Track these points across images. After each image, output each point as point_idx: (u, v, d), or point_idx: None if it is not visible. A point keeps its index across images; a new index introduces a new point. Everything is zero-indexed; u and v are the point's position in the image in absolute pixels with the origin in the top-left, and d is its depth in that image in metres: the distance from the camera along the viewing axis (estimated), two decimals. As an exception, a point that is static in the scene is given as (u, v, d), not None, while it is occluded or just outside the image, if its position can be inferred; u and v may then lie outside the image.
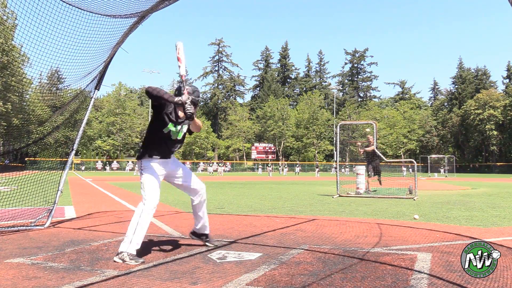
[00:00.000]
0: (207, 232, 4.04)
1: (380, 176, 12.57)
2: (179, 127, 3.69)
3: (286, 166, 55.86)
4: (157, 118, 3.64)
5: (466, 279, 2.80)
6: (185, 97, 3.40)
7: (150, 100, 3.58)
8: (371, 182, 12.26)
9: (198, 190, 3.87)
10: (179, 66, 3.57)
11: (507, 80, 75.73)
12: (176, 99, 3.41)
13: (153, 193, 3.52)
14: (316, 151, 74.20)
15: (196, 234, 4.06)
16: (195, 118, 3.60)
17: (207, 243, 4.01)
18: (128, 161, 58.44)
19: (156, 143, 3.64)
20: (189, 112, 3.37)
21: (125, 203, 8.66)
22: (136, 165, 3.65)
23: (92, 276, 2.86)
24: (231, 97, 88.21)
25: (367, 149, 12.06)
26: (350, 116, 74.22)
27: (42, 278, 2.82)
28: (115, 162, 58.26)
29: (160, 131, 3.62)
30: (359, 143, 13.35)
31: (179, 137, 3.72)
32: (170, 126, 3.63)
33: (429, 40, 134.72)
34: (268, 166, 50.13)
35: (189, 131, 3.82)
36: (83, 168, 55.56)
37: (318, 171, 48.17)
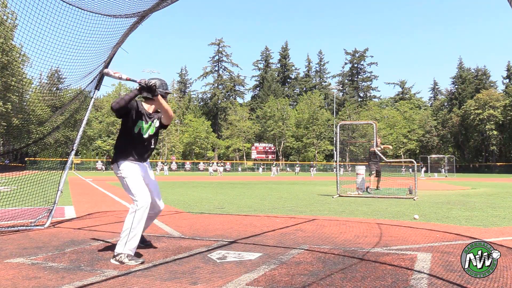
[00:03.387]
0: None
1: (380, 177, 12.60)
2: (150, 122, 3.63)
3: (276, 165, 54.40)
4: (126, 123, 3.57)
5: (466, 279, 2.80)
6: (143, 80, 3.42)
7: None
8: (373, 182, 12.31)
9: (157, 206, 3.75)
10: (126, 79, 3.47)
11: (507, 80, 75.72)
12: (137, 86, 3.43)
13: (142, 191, 3.43)
14: (316, 151, 74.20)
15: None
16: (163, 101, 3.53)
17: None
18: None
19: (130, 145, 3.56)
20: (153, 85, 3.38)
21: (125, 203, 8.66)
22: (114, 169, 3.52)
23: (92, 276, 2.86)
24: (231, 97, 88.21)
25: (384, 146, 12.13)
26: (350, 116, 74.19)
27: (42, 278, 2.82)
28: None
29: (131, 133, 3.55)
30: (359, 143, 13.40)
31: (152, 132, 3.65)
32: (140, 123, 3.56)
33: (429, 40, 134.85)
34: (274, 166, 49.74)
35: (162, 126, 3.74)
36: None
37: (314, 170, 48.07)
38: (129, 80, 3.46)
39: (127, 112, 3.50)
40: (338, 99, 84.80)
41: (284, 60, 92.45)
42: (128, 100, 3.43)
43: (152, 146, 3.74)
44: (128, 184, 3.45)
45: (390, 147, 12.74)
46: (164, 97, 3.64)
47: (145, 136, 3.60)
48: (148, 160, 3.80)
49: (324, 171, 66.16)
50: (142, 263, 3.26)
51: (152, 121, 3.67)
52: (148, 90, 3.43)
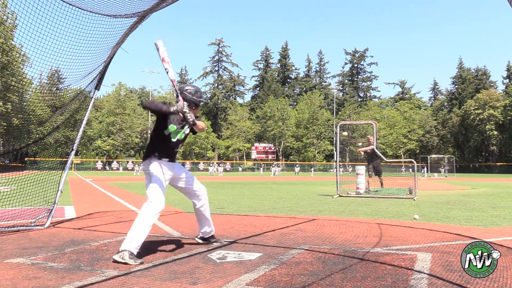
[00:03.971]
0: (213, 232, 4.13)
1: (381, 176, 12.58)
2: (181, 129, 3.65)
3: (276, 165, 54.57)
4: (158, 124, 3.69)
5: (466, 279, 2.80)
6: (180, 105, 3.36)
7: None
8: (372, 182, 12.26)
9: (199, 194, 3.95)
10: (166, 70, 3.47)
11: (507, 80, 75.73)
12: (172, 109, 3.40)
13: (160, 198, 3.57)
14: (316, 151, 74.20)
15: (204, 239, 4.12)
16: (198, 122, 3.57)
17: (215, 243, 4.09)
18: (128, 161, 58.54)
19: (160, 146, 3.67)
20: (190, 120, 3.37)
21: (125, 203, 8.66)
22: (142, 166, 3.65)
23: (92, 276, 2.86)
24: (231, 97, 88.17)
25: (365, 148, 12.05)
26: (350, 116, 74.20)
27: (42, 278, 2.82)
28: (115, 162, 58.23)
29: (161, 135, 3.62)
30: (360, 144, 13.34)
31: (180, 137, 3.68)
32: (171, 128, 3.57)
33: (429, 40, 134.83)
34: (273, 166, 49.81)
35: (193, 131, 3.82)
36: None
37: (313, 170, 48.13)
38: (173, 83, 3.46)
39: (158, 114, 3.63)
40: (338, 99, 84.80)
41: (284, 60, 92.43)
42: (158, 110, 3.51)
43: (178, 149, 3.89)
44: (151, 185, 3.59)
45: (362, 153, 12.45)
46: (197, 105, 3.73)
47: (174, 140, 3.61)
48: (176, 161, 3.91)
49: (324, 171, 66.15)
50: (141, 263, 3.28)
51: (183, 127, 3.61)
52: (184, 118, 3.42)
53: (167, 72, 3.48)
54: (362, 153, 12.30)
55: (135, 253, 3.36)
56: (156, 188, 3.56)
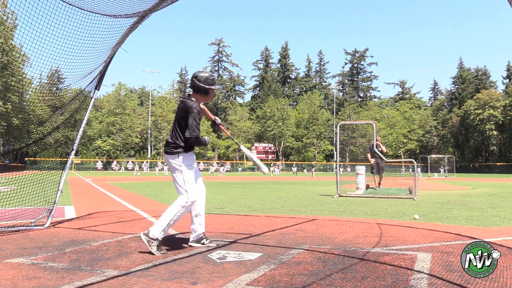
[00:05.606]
0: (203, 230, 4.05)
1: (381, 175, 12.63)
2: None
3: (275, 165, 54.82)
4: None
5: (466, 279, 2.80)
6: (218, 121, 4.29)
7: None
8: (377, 179, 12.41)
9: (201, 190, 4.03)
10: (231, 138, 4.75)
11: (507, 80, 75.77)
12: (206, 138, 3.89)
13: (194, 188, 3.77)
14: (316, 151, 74.21)
15: (196, 241, 4.01)
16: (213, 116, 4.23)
17: (209, 244, 4.00)
18: (128, 161, 58.51)
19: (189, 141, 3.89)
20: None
21: (125, 203, 8.66)
22: (172, 159, 3.76)
23: (92, 276, 2.86)
24: (231, 97, 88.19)
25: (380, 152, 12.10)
26: (350, 116, 74.20)
27: (42, 278, 2.82)
28: (115, 162, 58.24)
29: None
30: (363, 141, 13.37)
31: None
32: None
33: (429, 40, 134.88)
34: (271, 166, 49.99)
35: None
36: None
37: (314, 170, 48.20)
38: (227, 135, 4.46)
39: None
40: (338, 99, 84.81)
41: (284, 60, 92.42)
42: (201, 143, 3.80)
43: None
44: (184, 178, 3.74)
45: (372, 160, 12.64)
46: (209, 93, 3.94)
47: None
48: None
49: (324, 171, 66.15)
50: (164, 253, 3.50)
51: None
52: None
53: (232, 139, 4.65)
54: (371, 158, 12.46)
55: (161, 240, 3.58)
56: (190, 180, 3.75)
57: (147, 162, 58.25)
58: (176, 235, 4.71)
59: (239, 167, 65.09)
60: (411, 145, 72.77)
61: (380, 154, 11.82)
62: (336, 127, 55.43)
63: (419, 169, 42.89)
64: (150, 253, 3.55)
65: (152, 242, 3.54)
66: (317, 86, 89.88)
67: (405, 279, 2.81)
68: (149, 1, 4.41)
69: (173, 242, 4.22)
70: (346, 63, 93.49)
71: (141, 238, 3.61)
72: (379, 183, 12.64)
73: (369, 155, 12.79)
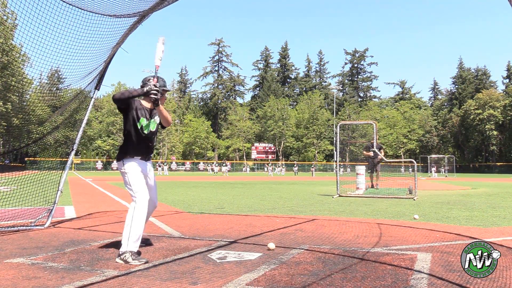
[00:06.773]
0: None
1: (378, 175, 12.66)
2: (151, 120, 3.71)
3: (284, 166, 55.22)
4: (127, 119, 3.64)
5: (466, 279, 2.80)
6: (149, 86, 3.52)
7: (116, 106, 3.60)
8: (375, 178, 12.45)
9: (153, 201, 3.80)
10: (159, 58, 3.64)
11: (507, 80, 75.77)
12: (145, 89, 3.52)
13: (142, 189, 3.52)
14: (316, 151, 74.20)
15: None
16: (163, 108, 3.62)
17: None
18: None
19: (135, 142, 3.63)
20: (154, 97, 3.47)
21: (125, 203, 8.66)
22: (117, 166, 3.64)
23: (92, 276, 2.86)
24: (231, 97, 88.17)
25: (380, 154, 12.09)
26: (350, 116, 74.20)
27: (42, 278, 2.82)
28: (115, 162, 58.24)
29: (132, 132, 3.62)
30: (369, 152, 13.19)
31: (153, 129, 3.73)
32: (142, 121, 3.63)
33: (429, 40, 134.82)
34: (270, 166, 50.05)
35: (162, 125, 3.83)
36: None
37: (314, 170, 48.26)
38: (155, 76, 3.63)
39: (127, 106, 3.58)
40: (338, 99, 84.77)
41: (284, 60, 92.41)
42: (131, 96, 3.52)
43: (153, 143, 3.81)
44: (129, 180, 3.53)
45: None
46: (162, 94, 3.71)
47: (146, 132, 3.66)
48: (151, 160, 3.85)
49: (324, 171, 66.12)
50: (145, 262, 3.26)
51: (153, 118, 3.73)
52: (154, 102, 3.54)
53: (159, 59, 3.64)
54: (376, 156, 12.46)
55: (136, 251, 3.35)
56: (135, 182, 3.52)
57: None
58: (176, 235, 4.71)
59: (243, 167, 64.40)
60: (411, 145, 72.75)
61: (377, 152, 11.82)
62: (336, 127, 55.48)
63: (411, 169, 42.88)
64: (126, 261, 3.24)
65: (125, 255, 3.26)
66: (317, 86, 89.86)
67: (405, 279, 2.81)
68: (149, 0, 4.41)
69: (173, 242, 4.22)
70: (346, 63, 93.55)
71: (116, 261, 3.31)
72: (376, 183, 12.68)
73: (365, 152, 12.91)
